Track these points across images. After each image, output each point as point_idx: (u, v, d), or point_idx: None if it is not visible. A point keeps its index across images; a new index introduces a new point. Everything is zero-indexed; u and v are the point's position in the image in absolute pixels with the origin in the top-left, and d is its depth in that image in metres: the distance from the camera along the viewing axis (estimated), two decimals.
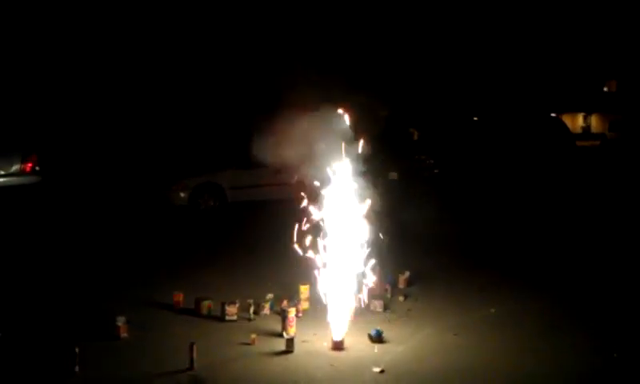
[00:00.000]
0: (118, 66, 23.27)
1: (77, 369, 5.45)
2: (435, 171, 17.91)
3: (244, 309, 6.94)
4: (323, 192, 6.45)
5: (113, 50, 23.12)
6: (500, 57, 34.47)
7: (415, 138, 23.23)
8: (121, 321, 6.41)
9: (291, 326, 6.28)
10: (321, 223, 6.48)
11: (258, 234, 11.58)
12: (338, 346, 6.04)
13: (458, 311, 7.11)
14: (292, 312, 6.39)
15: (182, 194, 14.49)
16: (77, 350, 5.48)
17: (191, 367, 5.52)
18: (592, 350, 6.00)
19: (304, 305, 7.10)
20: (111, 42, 23.01)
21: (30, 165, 16.11)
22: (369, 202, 6.43)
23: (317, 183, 6.53)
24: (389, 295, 7.41)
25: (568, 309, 7.26)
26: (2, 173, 15.46)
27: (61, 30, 22.38)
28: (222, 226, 13.33)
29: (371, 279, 6.58)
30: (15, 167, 16.00)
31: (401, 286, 7.84)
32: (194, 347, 5.57)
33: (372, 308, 7.03)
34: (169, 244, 11.44)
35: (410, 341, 6.23)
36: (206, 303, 7.09)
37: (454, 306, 7.31)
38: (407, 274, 7.92)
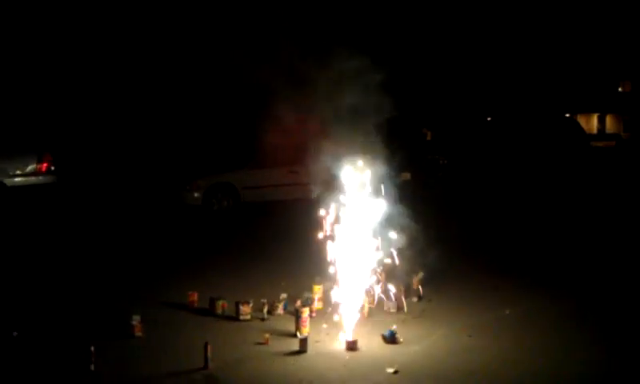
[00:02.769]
0: (133, 67, 23.38)
1: (92, 367, 5.49)
2: (444, 171, 17.89)
3: (258, 308, 6.96)
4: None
5: (127, 51, 23.23)
6: (514, 57, 34.32)
7: (429, 138, 23.20)
8: (136, 319, 6.45)
9: (305, 326, 6.30)
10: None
11: (272, 234, 11.62)
12: (351, 347, 6.04)
13: (472, 312, 7.09)
14: (305, 312, 6.41)
15: (196, 194, 14.54)
16: (92, 348, 5.52)
17: (206, 366, 5.54)
18: (606, 350, 5.97)
19: (318, 305, 7.10)
20: (125, 43, 23.11)
21: (45, 165, 16.23)
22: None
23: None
24: (403, 296, 7.40)
25: (582, 309, 7.23)
26: (18, 173, 15.58)
27: (76, 31, 22.51)
28: (236, 226, 13.37)
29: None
30: (31, 167, 16.12)
31: (414, 286, 7.82)
32: (209, 346, 5.59)
33: (386, 309, 7.03)
34: (183, 244, 11.49)
35: (423, 341, 6.22)
36: (220, 303, 7.12)
37: (468, 306, 7.29)
38: (421, 274, 7.90)
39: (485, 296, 7.63)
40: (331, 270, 6.66)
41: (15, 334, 6.39)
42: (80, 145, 21.51)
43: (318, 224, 6.77)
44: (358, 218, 6.50)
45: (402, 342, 6.17)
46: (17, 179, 15.57)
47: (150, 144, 22.83)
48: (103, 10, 22.54)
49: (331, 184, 6.86)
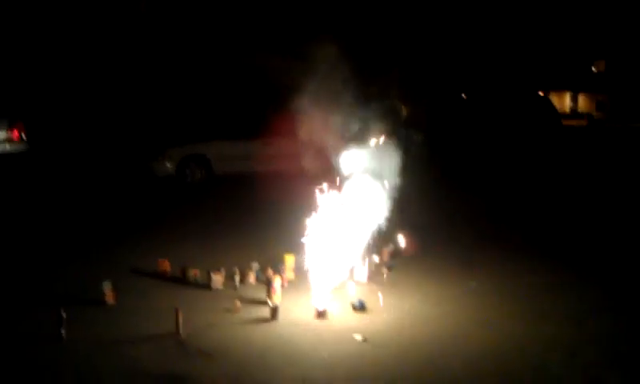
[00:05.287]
0: (105, 36, 23.09)
1: (63, 332, 5.51)
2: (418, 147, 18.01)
3: (230, 277, 7.02)
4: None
5: (99, 21, 22.92)
6: (489, 34, 34.45)
7: (404, 113, 23.25)
8: (107, 286, 6.47)
9: (275, 295, 6.37)
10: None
11: (245, 205, 11.66)
12: (321, 315, 6.14)
13: (441, 284, 7.20)
14: (277, 281, 6.47)
15: (169, 165, 14.50)
16: (63, 314, 5.53)
17: (177, 332, 5.61)
18: (572, 319, 6.13)
19: (289, 274, 7.18)
20: (98, 13, 22.80)
21: (16, 133, 16.08)
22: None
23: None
24: (372, 266, 7.50)
25: (550, 280, 7.38)
26: None
27: (51, 3, 22.17)
28: (209, 197, 13.37)
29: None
30: (1, 135, 15.96)
31: (384, 258, 7.92)
32: (180, 313, 5.65)
33: (355, 279, 7.13)
34: (155, 214, 11.48)
35: (392, 311, 6.33)
36: (192, 271, 7.17)
37: (436, 279, 7.41)
38: (391, 246, 8.00)
39: (453, 269, 7.75)
40: (304, 239, 6.72)
41: None
42: (52, 113, 21.27)
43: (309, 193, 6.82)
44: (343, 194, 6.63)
45: (370, 311, 6.27)
46: None
47: (121, 114, 22.63)
48: None
49: (307, 158, 6.95)
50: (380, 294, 6.53)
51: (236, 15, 21.68)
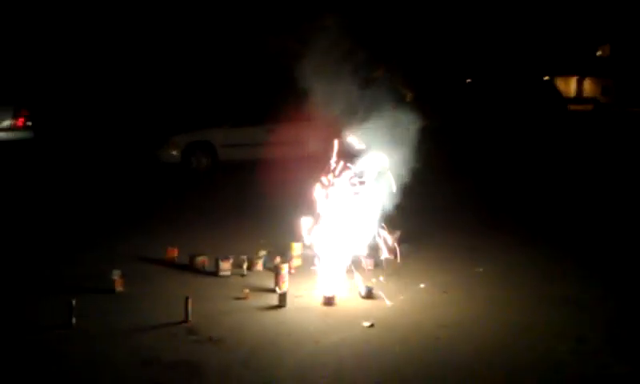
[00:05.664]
0: (111, 24, 23.07)
1: (74, 320, 5.56)
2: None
3: (237, 265, 7.06)
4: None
5: (104, 9, 22.90)
6: (494, 19, 34.29)
7: (408, 99, 23.22)
8: (116, 274, 6.52)
9: (283, 282, 6.41)
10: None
11: (251, 192, 11.68)
12: (329, 302, 6.18)
13: (449, 269, 7.24)
14: (284, 268, 6.52)
15: (174, 152, 14.52)
16: (73, 302, 5.58)
17: (186, 320, 5.66)
18: (578, 304, 6.17)
19: (296, 261, 7.22)
20: (102, 1, 22.79)
21: (21, 120, 16.11)
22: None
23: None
24: (379, 254, 7.52)
25: (556, 266, 7.41)
26: None
27: None
28: (214, 184, 13.40)
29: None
30: (7, 122, 16.00)
31: (392, 244, 7.94)
32: (189, 301, 5.70)
33: (363, 265, 7.16)
34: (161, 201, 11.52)
35: (399, 297, 6.37)
36: (200, 258, 7.21)
37: (444, 264, 7.44)
38: (398, 232, 8.02)
39: (460, 255, 7.79)
40: (310, 228, 6.76)
41: None
42: (57, 101, 21.29)
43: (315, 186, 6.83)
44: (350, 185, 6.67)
45: (378, 298, 6.31)
46: None
47: (127, 101, 22.64)
48: None
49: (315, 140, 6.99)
50: (381, 278, 6.57)
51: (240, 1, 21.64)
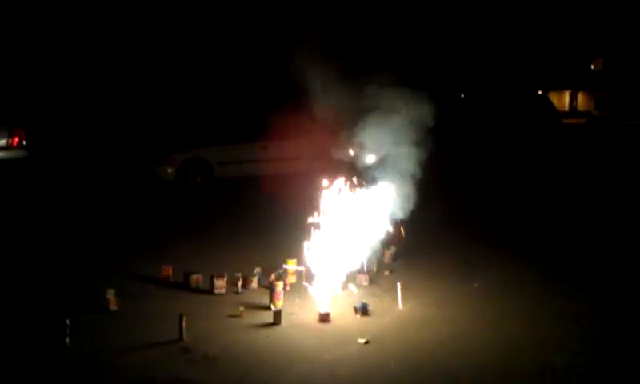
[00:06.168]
0: (105, 42, 23.13)
1: (68, 341, 5.54)
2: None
3: (232, 282, 7.05)
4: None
5: (99, 27, 22.97)
6: (487, 34, 34.49)
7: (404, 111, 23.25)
8: (110, 293, 6.51)
9: (278, 299, 6.41)
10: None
11: (246, 210, 11.69)
12: (324, 319, 6.17)
13: (443, 285, 7.24)
14: (279, 285, 6.51)
15: (169, 170, 14.50)
16: (67, 322, 5.57)
17: (181, 338, 5.64)
18: (570, 318, 6.18)
19: (291, 278, 7.21)
20: (97, 17, 22.85)
21: (16, 139, 16.10)
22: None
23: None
24: (374, 269, 7.53)
25: (549, 280, 7.42)
26: None
27: (48, 7, 22.21)
28: (210, 202, 13.40)
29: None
30: (2, 142, 15.97)
31: (386, 261, 7.96)
32: (184, 318, 5.68)
33: (358, 282, 7.16)
34: (156, 219, 11.51)
35: (394, 313, 6.37)
36: (194, 276, 7.20)
37: (438, 280, 7.45)
38: (393, 248, 8.04)
39: (455, 270, 7.79)
40: (306, 245, 6.76)
41: None
42: (52, 119, 21.30)
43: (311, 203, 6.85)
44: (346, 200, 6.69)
45: (373, 314, 6.31)
46: None
47: (121, 119, 22.66)
48: None
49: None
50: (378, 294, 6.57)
51: (235, 16, 21.73)
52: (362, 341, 5.66)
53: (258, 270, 7.36)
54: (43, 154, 17.84)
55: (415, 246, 8.44)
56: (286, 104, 12.33)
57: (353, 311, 6.38)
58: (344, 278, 6.82)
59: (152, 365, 5.20)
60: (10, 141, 16.04)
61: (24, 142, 16.29)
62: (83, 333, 5.72)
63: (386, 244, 7.56)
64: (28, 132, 16.52)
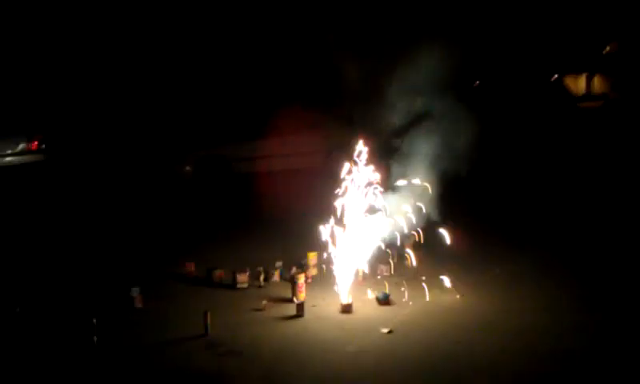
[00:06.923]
0: (123, 44, 23.24)
1: (95, 339, 5.63)
2: None
3: (254, 277, 7.11)
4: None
5: (116, 29, 23.08)
6: (502, 20, 34.22)
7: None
8: (135, 291, 6.59)
9: (301, 292, 6.45)
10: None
11: (266, 204, 11.70)
12: (346, 310, 6.21)
13: (462, 274, 7.21)
14: (301, 278, 6.56)
15: (188, 167, 14.61)
16: (94, 320, 5.65)
17: (206, 333, 5.71)
18: (587, 304, 6.19)
19: (312, 271, 7.26)
20: (114, 21, 22.96)
21: (35, 143, 16.29)
22: None
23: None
24: (394, 260, 7.53)
25: (567, 267, 7.41)
26: (9, 152, 15.64)
27: (67, 11, 22.34)
28: (228, 198, 13.43)
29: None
30: (21, 146, 16.18)
31: (406, 250, 7.95)
32: (208, 314, 5.75)
33: (379, 273, 7.19)
34: (177, 216, 11.57)
35: (416, 302, 6.39)
36: (217, 272, 7.27)
37: (458, 269, 7.42)
38: (414, 239, 8.03)
39: (475, 258, 7.77)
40: (326, 237, 6.77)
41: (18, 309, 6.52)
42: (69, 124, 21.46)
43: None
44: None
45: (394, 303, 6.34)
46: (8, 159, 15.63)
47: (140, 118, 22.76)
48: None
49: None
50: (404, 287, 6.59)
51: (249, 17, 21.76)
52: (385, 330, 5.69)
53: (279, 263, 7.41)
54: (62, 158, 17.99)
55: (433, 234, 8.43)
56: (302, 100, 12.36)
57: (375, 301, 6.42)
58: (366, 269, 6.85)
59: (178, 361, 5.28)
60: (28, 145, 16.24)
61: (43, 146, 16.48)
62: (110, 330, 5.80)
63: (406, 236, 7.56)
64: (47, 136, 16.69)
